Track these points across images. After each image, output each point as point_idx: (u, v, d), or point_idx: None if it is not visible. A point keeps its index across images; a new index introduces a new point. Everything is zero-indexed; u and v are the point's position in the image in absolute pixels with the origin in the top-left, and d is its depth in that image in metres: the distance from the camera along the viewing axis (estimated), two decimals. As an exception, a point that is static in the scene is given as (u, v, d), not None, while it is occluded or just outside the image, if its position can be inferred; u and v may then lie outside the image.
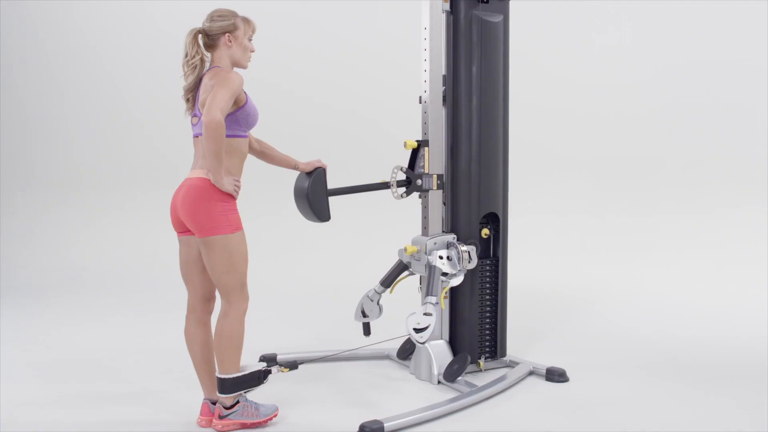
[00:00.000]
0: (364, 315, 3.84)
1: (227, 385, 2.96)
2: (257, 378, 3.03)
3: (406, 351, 3.97)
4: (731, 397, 3.45)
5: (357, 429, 2.99)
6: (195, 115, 3.02)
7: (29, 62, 7.48)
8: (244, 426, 3.00)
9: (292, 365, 3.22)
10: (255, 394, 3.29)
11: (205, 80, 2.96)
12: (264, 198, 5.64)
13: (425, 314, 3.34)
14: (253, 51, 3.08)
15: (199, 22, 3.05)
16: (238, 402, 3.05)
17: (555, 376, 3.70)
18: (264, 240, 6.38)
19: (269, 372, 3.06)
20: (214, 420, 3.03)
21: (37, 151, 7.50)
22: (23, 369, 3.96)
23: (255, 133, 3.30)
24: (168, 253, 4.68)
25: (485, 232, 3.80)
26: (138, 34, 7.27)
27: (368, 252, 6.04)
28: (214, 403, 3.09)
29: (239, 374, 2.97)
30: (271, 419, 3.07)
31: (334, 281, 5.95)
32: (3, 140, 7.53)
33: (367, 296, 3.82)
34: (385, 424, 2.99)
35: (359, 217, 5.88)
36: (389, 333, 4.06)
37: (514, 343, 4.13)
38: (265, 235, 6.43)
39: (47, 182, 7.43)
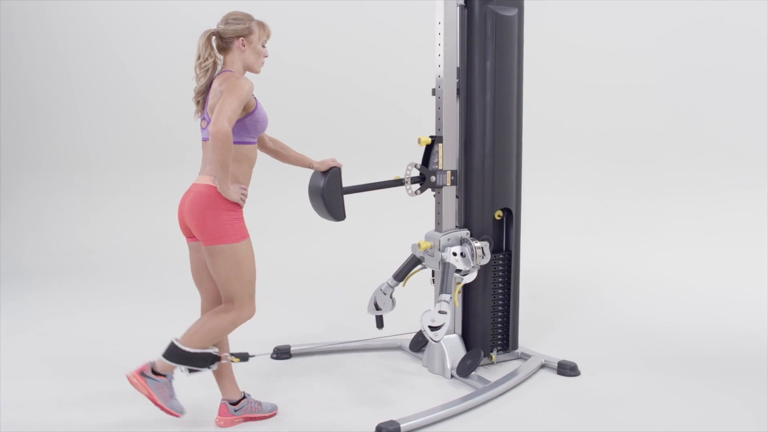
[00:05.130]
0: (377, 308, 3.87)
1: (176, 354, 2.92)
2: (205, 360, 2.97)
3: (419, 343, 4.00)
4: (739, 395, 3.47)
5: (372, 429, 3.03)
6: (204, 119, 3.00)
7: (36, 43, 7.40)
8: (150, 398, 2.92)
9: (243, 357, 3.12)
10: (258, 394, 3.36)
11: (215, 84, 2.92)
12: (275, 179, 5.62)
13: (440, 312, 3.36)
14: (266, 56, 3.05)
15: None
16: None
17: (566, 370, 3.74)
18: (274, 222, 6.41)
19: (218, 359, 3.02)
20: (134, 372, 2.95)
21: (44, 133, 7.46)
22: (31, 364, 3.97)
23: (268, 131, 3.27)
24: (177, 237, 4.68)
25: (498, 213, 3.81)
26: (146, 14, 7.18)
27: (381, 243, 6.05)
28: (232, 404, 3.13)
29: (193, 350, 2.93)
30: (174, 415, 2.98)
31: (346, 267, 5.97)
32: (10, 122, 7.48)
33: (380, 289, 3.85)
34: (401, 425, 3.04)
35: (372, 209, 5.85)
36: (402, 324, 4.09)
37: (525, 332, 4.14)
38: (275, 216, 6.45)
39: (54, 165, 7.40)
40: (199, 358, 2.95)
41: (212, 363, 3.00)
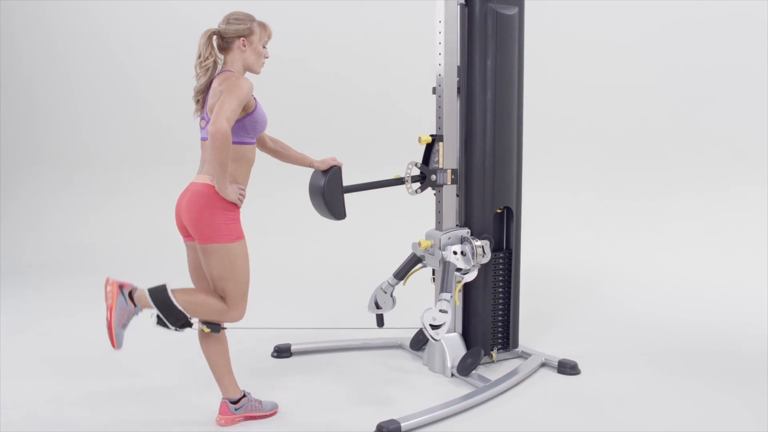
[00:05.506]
0: (378, 306, 3.87)
1: (161, 295, 2.92)
2: (178, 319, 2.96)
3: (419, 342, 4.01)
4: (739, 394, 3.46)
5: (373, 428, 3.04)
6: (203, 119, 3.00)
7: (36, 42, 7.39)
8: (108, 311, 2.90)
9: (215, 328, 3.08)
10: (259, 392, 3.37)
11: (215, 84, 2.92)
12: (275, 177, 5.62)
13: (441, 311, 3.36)
14: (267, 57, 3.05)
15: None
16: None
17: (567, 368, 3.74)
18: (274, 221, 6.41)
19: (189, 326, 3.02)
20: (116, 282, 2.94)
21: (44, 131, 7.43)
22: (30, 364, 3.97)
23: (269, 130, 3.27)
24: (177, 237, 4.70)
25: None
26: (146, 13, 7.16)
27: (381, 242, 6.04)
28: (233, 403, 3.14)
29: (176, 303, 2.93)
30: (113, 345, 2.93)
31: (346, 266, 5.97)
32: (10, 121, 7.47)
33: (381, 288, 3.85)
34: (401, 424, 3.04)
35: (373, 208, 5.85)
36: (402, 322, 4.10)
37: (526, 330, 4.15)
38: (275, 215, 6.45)
39: (54, 163, 7.38)
40: (175, 314, 2.94)
41: (182, 326, 2.99)
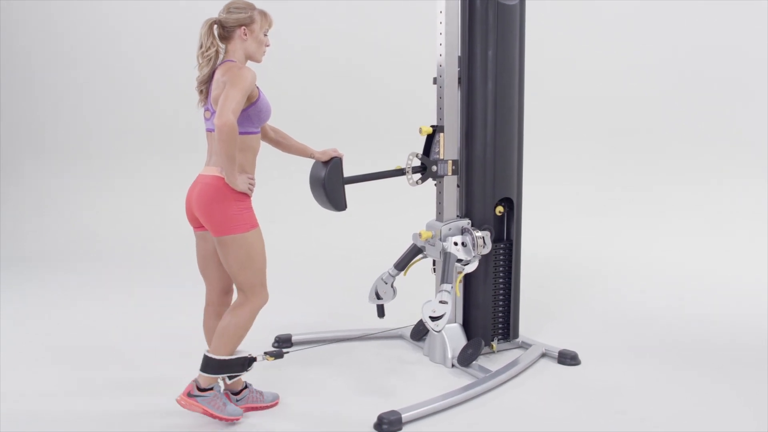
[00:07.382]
0: (378, 297, 3.88)
1: (212, 365, 2.95)
2: (242, 365, 3.01)
3: (420, 332, 4.01)
4: (740, 390, 3.43)
5: (374, 419, 3.04)
6: (207, 110, 2.99)
7: (37, 26, 7.36)
8: (206, 414, 2.96)
9: (278, 354, 3.17)
10: (260, 383, 3.37)
11: (218, 75, 2.91)
12: (276, 166, 5.61)
13: (441, 302, 3.37)
14: (268, 46, 3.04)
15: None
16: (212, 389, 3.04)
17: (567, 359, 3.75)
18: (275, 211, 6.39)
19: (254, 360, 3.06)
20: (181, 395, 2.97)
21: (46, 118, 7.42)
22: (33, 353, 3.97)
23: (270, 120, 3.26)
24: (181, 224, 4.70)
25: (499, 209, 3.80)
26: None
27: (381, 232, 6.04)
28: (235, 394, 3.14)
29: (227, 357, 2.96)
30: (234, 420, 3.02)
31: (346, 256, 5.98)
32: (11, 107, 7.45)
33: (381, 279, 3.85)
34: (402, 415, 3.05)
35: (373, 198, 5.85)
36: (403, 312, 4.12)
37: (526, 321, 4.16)
38: (277, 206, 6.43)
39: (56, 150, 7.37)
40: (235, 364, 2.99)
41: (249, 365, 3.04)
